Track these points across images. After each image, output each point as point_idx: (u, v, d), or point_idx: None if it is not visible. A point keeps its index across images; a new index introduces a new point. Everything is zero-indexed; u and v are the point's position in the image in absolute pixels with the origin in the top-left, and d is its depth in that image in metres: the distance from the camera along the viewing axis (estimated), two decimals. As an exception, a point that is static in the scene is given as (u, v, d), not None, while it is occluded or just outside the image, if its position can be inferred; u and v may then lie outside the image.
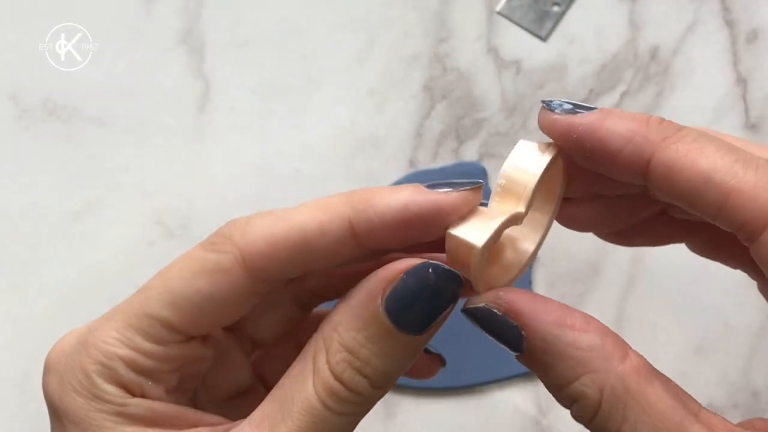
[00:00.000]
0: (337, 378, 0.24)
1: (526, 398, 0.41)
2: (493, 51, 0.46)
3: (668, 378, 0.26)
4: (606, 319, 0.42)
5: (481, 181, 0.25)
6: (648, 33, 0.46)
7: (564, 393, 0.25)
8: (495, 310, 0.25)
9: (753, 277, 0.29)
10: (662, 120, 0.24)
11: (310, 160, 0.44)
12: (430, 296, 0.24)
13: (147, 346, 0.25)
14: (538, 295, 0.26)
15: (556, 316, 0.25)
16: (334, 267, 0.26)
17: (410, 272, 0.24)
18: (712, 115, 0.45)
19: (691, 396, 0.25)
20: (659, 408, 0.24)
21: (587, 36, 0.46)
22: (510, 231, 0.27)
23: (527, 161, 0.26)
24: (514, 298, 0.25)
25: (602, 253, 0.43)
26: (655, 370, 0.25)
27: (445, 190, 0.25)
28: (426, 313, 0.24)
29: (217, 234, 0.26)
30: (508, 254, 0.28)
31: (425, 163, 0.44)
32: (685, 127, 0.24)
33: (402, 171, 0.44)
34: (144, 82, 0.45)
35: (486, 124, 0.45)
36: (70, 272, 0.43)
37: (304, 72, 0.45)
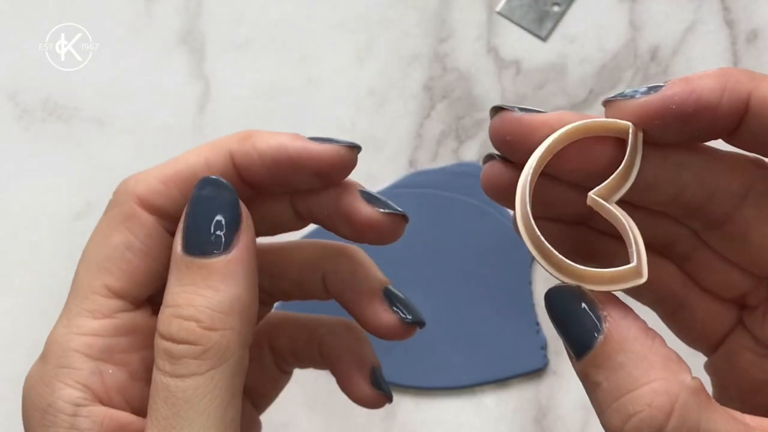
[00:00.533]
0: (163, 336, 0.24)
1: (526, 398, 0.41)
2: (493, 51, 0.46)
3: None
4: (606, 319, 0.42)
5: (357, 144, 0.26)
6: (648, 33, 0.46)
7: (626, 400, 0.23)
8: (586, 293, 0.24)
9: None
10: (741, 69, 0.24)
11: (310, 160, 0.44)
12: (209, 209, 0.25)
13: (94, 324, 0.25)
14: (625, 306, 0.24)
15: (642, 321, 0.24)
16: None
17: (193, 199, 0.25)
18: (712, 115, 0.45)
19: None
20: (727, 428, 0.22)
21: (587, 36, 0.46)
22: None
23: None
24: (604, 295, 0.24)
25: (602, 253, 0.43)
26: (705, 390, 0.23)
27: (323, 144, 0.26)
28: (212, 228, 0.25)
29: (114, 194, 0.27)
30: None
31: (425, 164, 0.44)
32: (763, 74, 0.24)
33: (402, 171, 0.44)
34: (144, 82, 0.45)
35: (486, 125, 0.45)
36: (70, 272, 0.43)
37: (304, 72, 0.45)
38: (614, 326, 0.23)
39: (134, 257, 0.26)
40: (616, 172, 0.24)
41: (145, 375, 0.26)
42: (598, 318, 0.23)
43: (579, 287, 0.24)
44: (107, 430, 0.25)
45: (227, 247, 0.24)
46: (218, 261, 0.24)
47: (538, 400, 0.41)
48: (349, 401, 0.42)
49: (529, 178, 0.23)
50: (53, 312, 0.43)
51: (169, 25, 0.46)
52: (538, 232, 0.23)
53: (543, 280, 0.43)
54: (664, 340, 0.24)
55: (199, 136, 0.44)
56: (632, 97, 0.24)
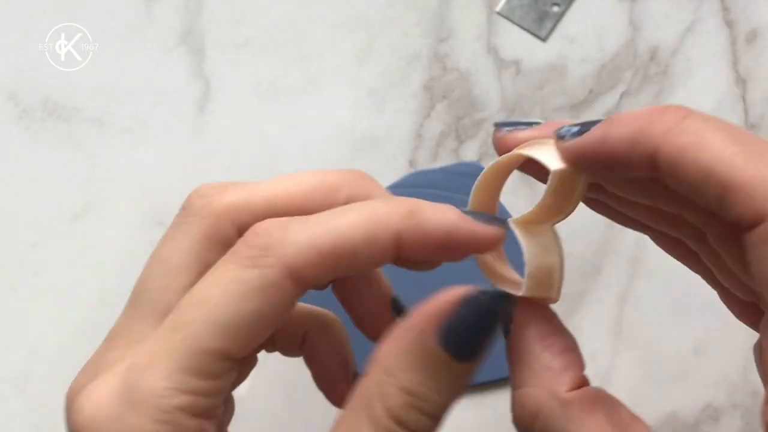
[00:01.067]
0: (401, 423, 0.23)
1: (526, 398, 0.41)
2: (493, 51, 0.46)
3: (619, 404, 0.26)
4: (606, 319, 0.42)
5: (505, 219, 0.26)
6: (648, 33, 0.46)
7: (514, 393, 0.26)
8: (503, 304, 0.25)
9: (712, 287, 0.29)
10: (667, 109, 0.24)
11: (310, 160, 0.44)
12: (486, 323, 0.24)
13: (204, 385, 0.24)
14: (543, 307, 0.27)
15: (542, 330, 0.26)
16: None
17: (465, 303, 0.24)
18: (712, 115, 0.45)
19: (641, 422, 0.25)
20: None
21: (587, 36, 0.46)
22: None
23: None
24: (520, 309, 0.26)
25: (602, 253, 0.43)
26: (609, 400, 0.25)
27: (485, 223, 0.25)
28: (482, 339, 0.24)
29: (250, 246, 0.24)
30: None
31: (425, 164, 0.44)
32: (690, 113, 0.23)
33: (402, 171, 0.44)
34: (144, 82, 0.45)
35: (486, 124, 0.45)
36: (70, 272, 0.43)
37: (304, 72, 0.45)
38: (515, 331, 0.26)
39: (263, 326, 0.24)
40: (537, 204, 0.26)
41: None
42: (506, 325, 0.26)
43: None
44: None
45: (477, 355, 0.24)
46: (473, 365, 0.24)
47: (538, 399, 0.41)
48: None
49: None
50: (54, 311, 0.43)
51: (169, 25, 0.46)
52: None
53: (543, 280, 0.43)
54: (565, 346, 0.26)
55: (199, 136, 0.44)
56: (563, 137, 0.25)
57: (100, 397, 0.24)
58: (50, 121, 0.44)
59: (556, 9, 0.46)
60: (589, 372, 0.41)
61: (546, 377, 0.25)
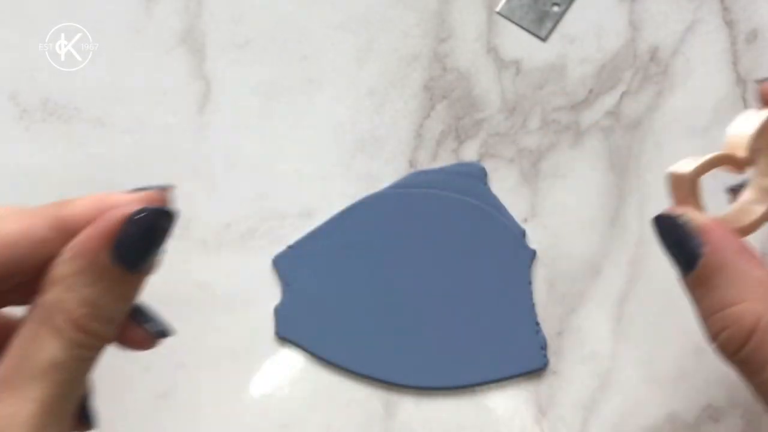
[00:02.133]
0: (85, 332, 0.26)
1: (526, 398, 0.41)
2: (492, 51, 0.46)
3: None
4: (606, 319, 0.42)
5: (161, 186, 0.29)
6: (647, 33, 0.46)
7: (718, 316, 0.27)
8: (688, 222, 0.28)
9: None
10: None
11: (310, 159, 0.44)
12: (151, 237, 0.27)
13: None
14: (726, 230, 0.28)
15: (740, 245, 0.27)
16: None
17: (130, 221, 0.26)
18: (712, 115, 0.45)
19: None
20: None
21: (587, 36, 0.46)
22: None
23: (746, 122, 0.29)
24: (704, 219, 0.28)
25: (602, 253, 0.43)
26: None
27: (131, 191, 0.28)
28: (149, 251, 0.27)
29: None
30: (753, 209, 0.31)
31: (425, 164, 0.44)
32: None
33: (402, 171, 0.44)
34: (144, 82, 0.45)
35: (486, 125, 0.45)
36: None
37: (304, 72, 0.45)
38: (712, 251, 0.27)
39: None
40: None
41: None
42: (699, 243, 0.27)
43: (679, 216, 0.28)
44: None
45: (147, 266, 0.28)
46: (144, 274, 0.28)
47: (538, 400, 0.41)
48: (349, 401, 0.42)
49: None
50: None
51: (170, 25, 0.46)
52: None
53: (543, 280, 0.43)
54: (760, 262, 0.27)
55: (200, 136, 0.45)
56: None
57: None
58: (50, 122, 0.44)
59: (556, 9, 0.46)
60: (589, 372, 0.41)
61: (762, 292, 0.26)
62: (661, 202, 0.43)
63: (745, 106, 0.45)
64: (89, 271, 0.26)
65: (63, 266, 0.26)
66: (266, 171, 0.44)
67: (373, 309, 0.42)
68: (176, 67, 0.45)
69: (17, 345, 0.26)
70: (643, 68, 0.46)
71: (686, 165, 0.29)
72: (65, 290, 0.26)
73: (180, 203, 0.43)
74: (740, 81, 0.45)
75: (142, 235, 0.27)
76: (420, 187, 0.42)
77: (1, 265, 0.26)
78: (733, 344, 0.26)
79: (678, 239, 0.28)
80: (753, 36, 0.46)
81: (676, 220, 0.28)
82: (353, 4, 0.46)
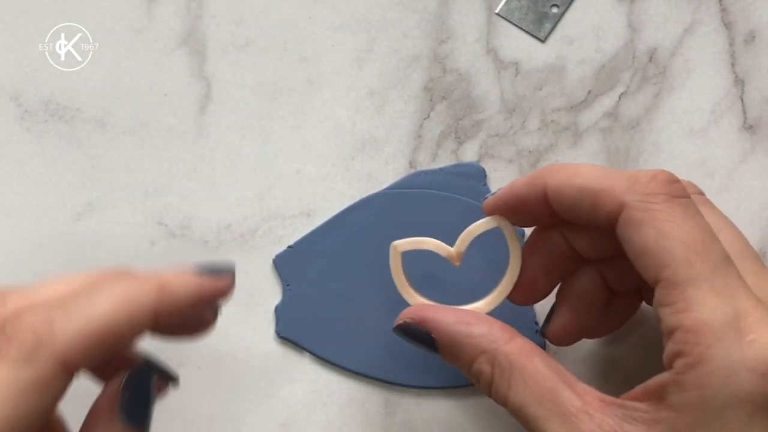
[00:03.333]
0: None
1: (526, 397, 0.41)
2: (492, 52, 0.46)
3: (551, 356, 0.33)
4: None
5: (232, 268, 0.31)
6: (646, 34, 0.46)
7: (470, 374, 0.33)
8: (410, 322, 0.35)
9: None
10: (561, 165, 0.34)
11: (310, 160, 0.45)
12: (145, 397, 0.30)
13: None
14: (440, 305, 0.35)
15: (453, 317, 0.34)
16: None
17: (126, 386, 0.29)
18: (710, 116, 0.45)
19: (570, 372, 0.32)
20: (536, 377, 0.32)
21: (586, 37, 0.46)
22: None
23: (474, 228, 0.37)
24: (421, 311, 0.35)
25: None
26: (539, 349, 0.33)
27: (218, 275, 0.30)
28: (147, 408, 0.30)
29: (20, 343, 0.25)
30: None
31: (425, 164, 0.45)
32: (566, 165, 0.34)
33: (401, 172, 0.44)
34: (145, 83, 0.45)
35: (485, 125, 0.45)
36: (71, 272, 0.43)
37: (304, 73, 0.46)
38: (437, 334, 0.34)
39: (40, 420, 0.26)
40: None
41: None
42: (427, 332, 0.35)
43: (404, 322, 0.36)
44: None
45: (147, 419, 0.30)
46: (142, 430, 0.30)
47: (537, 399, 0.41)
48: (349, 401, 0.42)
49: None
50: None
51: (170, 26, 0.46)
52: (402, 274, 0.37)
53: (542, 280, 0.43)
54: (477, 316, 0.34)
55: (200, 137, 0.45)
56: (485, 198, 0.37)
57: None
58: (52, 122, 0.45)
59: (555, 10, 0.46)
60: (589, 372, 0.41)
61: (485, 342, 0.33)
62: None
63: (743, 106, 0.45)
64: (108, 428, 0.29)
65: (88, 424, 0.29)
66: (266, 171, 0.44)
67: (373, 309, 0.42)
68: (177, 67, 0.45)
69: None
70: (642, 69, 0.46)
71: (405, 242, 0.37)
72: None
73: (180, 203, 0.44)
74: (738, 82, 0.46)
75: (138, 397, 0.29)
76: (420, 187, 0.42)
77: (106, 351, 0.27)
78: (485, 389, 0.33)
79: (416, 338, 0.35)
80: (751, 37, 0.46)
81: (402, 325, 0.35)
82: (353, 6, 0.46)
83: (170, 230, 0.44)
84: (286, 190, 0.44)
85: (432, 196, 0.42)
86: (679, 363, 0.29)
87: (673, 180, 0.31)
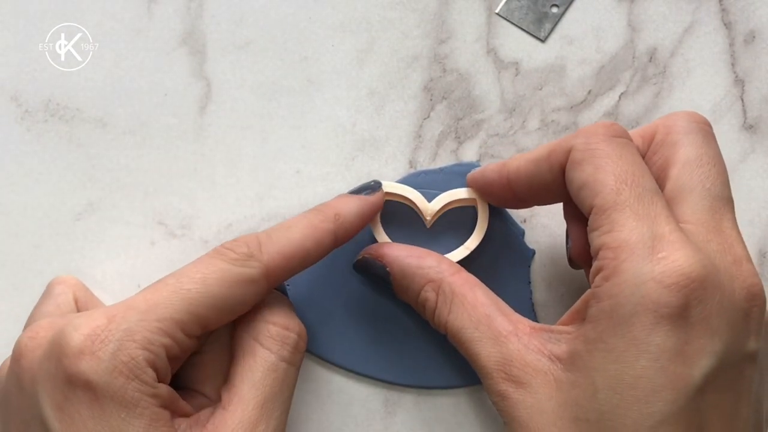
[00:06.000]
0: (275, 353, 0.35)
1: (526, 397, 0.41)
2: (492, 52, 0.46)
3: (491, 291, 0.37)
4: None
5: (378, 184, 0.40)
6: (646, 34, 0.46)
7: (418, 302, 0.38)
8: (368, 257, 0.39)
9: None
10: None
11: (310, 160, 0.45)
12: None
13: (184, 338, 0.32)
14: (396, 243, 0.39)
15: (406, 251, 0.38)
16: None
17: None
18: (710, 116, 0.45)
19: (508, 306, 0.36)
20: (474, 304, 0.36)
21: (586, 37, 0.46)
22: None
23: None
24: (379, 247, 0.39)
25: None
26: (481, 283, 0.37)
27: (373, 193, 0.39)
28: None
29: (236, 251, 0.33)
30: None
31: (425, 164, 0.45)
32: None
33: (401, 171, 0.44)
34: (145, 83, 0.45)
35: (485, 125, 0.45)
36: (72, 272, 0.43)
37: (304, 73, 0.46)
38: (391, 266, 0.38)
39: (237, 310, 0.34)
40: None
41: None
42: (382, 266, 0.39)
43: (362, 257, 0.40)
44: (170, 400, 0.32)
45: None
46: None
47: (537, 399, 0.41)
48: (349, 401, 0.42)
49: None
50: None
51: (171, 26, 0.46)
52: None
53: (543, 280, 0.43)
54: (428, 252, 0.38)
55: (200, 137, 0.45)
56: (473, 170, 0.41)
57: (94, 323, 0.31)
58: (52, 122, 0.45)
59: (555, 10, 0.46)
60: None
61: (433, 273, 0.37)
62: (660, 203, 0.43)
63: (743, 106, 0.45)
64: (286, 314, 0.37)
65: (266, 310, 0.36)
66: (266, 171, 0.44)
67: (373, 309, 0.42)
68: (177, 67, 0.45)
69: (235, 367, 0.34)
70: (642, 69, 0.46)
71: (390, 185, 0.41)
72: (267, 324, 0.35)
73: (180, 203, 0.44)
74: (738, 82, 0.46)
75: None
76: (420, 187, 0.42)
77: (298, 267, 0.36)
78: (429, 315, 0.37)
79: (372, 271, 0.39)
80: (751, 37, 0.46)
81: (361, 260, 0.39)
82: (353, 5, 0.46)
83: (170, 230, 0.44)
84: (286, 190, 0.44)
85: (432, 196, 0.42)
86: (598, 278, 0.32)
87: (613, 124, 0.35)
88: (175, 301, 0.31)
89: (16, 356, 0.32)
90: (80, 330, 0.30)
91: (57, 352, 0.30)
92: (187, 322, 0.31)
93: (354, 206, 0.37)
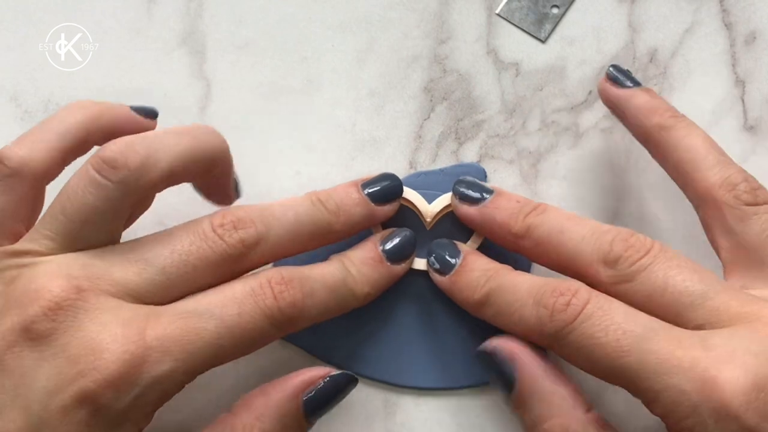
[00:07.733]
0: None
1: (526, 398, 0.41)
2: (492, 53, 0.46)
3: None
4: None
5: (394, 177, 0.40)
6: (647, 35, 0.46)
7: (535, 428, 0.33)
8: (499, 353, 0.34)
9: None
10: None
11: (310, 161, 0.45)
12: (336, 395, 0.34)
13: None
14: (531, 346, 0.34)
15: (542, 369, 0.33)
16: None
17: (328, 380, 0.34)
18: (711, 117, 0.45)
19: None
20: None
21: (586, 38, 0.46)
22: None
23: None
24: (511, 345, 0.34)
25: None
26: (610, 424, 0.32)
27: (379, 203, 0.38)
28: (328, 407, 0.34)
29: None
30: None
31: (425, 165, 0.45)
32: None
33: (401, 172, 0.44)
34: (145, 83, 0.45)
35: (486, 126, 0.45)
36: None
37: (304, 73, 0.46)
38: (524, 377, 0.33)
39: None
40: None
41: None
42: (512, 369, 0.33)
43: (492, 348, 0.35)
44: None
45: (320, 417, 0.36)
46: (309, 426, 0.36)
47: (537, 400, 0.41)
48: (349, 401, 0.42)
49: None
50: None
51: (170, 26, 0.46)
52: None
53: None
54: (564, 377, 0.33)
55: (200, 137, 0.45)
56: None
57: (124, 358, 0.31)
58: (51, 122, 0.45)
59: (555, 11, 0.46)
60: (589, 374, 0.41)
61: (566, 407, 0.32)
62: (661, 203, 0.43)
63: (744, 107, 0.45)
64: (281, 408, 0.33)
65: (259, 396, 0.33)
66: (266, 171, 0.44)
67: (373, 309, 0.42)
68: (177, 67, 0.45)
69: None
70: (642, 70, 0.46)
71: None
72: (255, 417, 0.32)
73: (180, 203, 0.44)
74: (739, 82, 0.45)
75: (332, 392, 0.34)
76: (419, 188, 0.42)
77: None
78: None
79: (497, 370, 0.34)
80: (752, 38, 0.46)
81: (489, 351, 0.34)
82: (353, 6, 0.46)
83: (170, 230, 0.43)
84: (286, 190, 0.44)
85: (432, 197, 0.42)
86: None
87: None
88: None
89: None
90: (112, 356, 0.30)
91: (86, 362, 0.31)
92: None
93: (358, 215, 0.38)
